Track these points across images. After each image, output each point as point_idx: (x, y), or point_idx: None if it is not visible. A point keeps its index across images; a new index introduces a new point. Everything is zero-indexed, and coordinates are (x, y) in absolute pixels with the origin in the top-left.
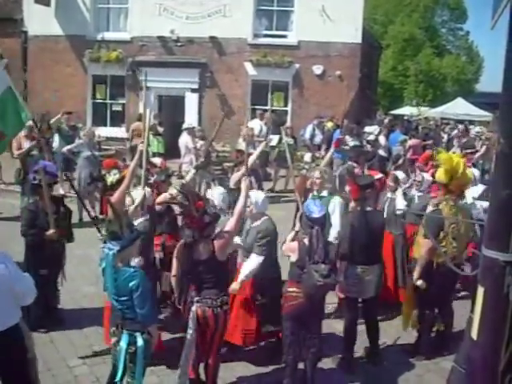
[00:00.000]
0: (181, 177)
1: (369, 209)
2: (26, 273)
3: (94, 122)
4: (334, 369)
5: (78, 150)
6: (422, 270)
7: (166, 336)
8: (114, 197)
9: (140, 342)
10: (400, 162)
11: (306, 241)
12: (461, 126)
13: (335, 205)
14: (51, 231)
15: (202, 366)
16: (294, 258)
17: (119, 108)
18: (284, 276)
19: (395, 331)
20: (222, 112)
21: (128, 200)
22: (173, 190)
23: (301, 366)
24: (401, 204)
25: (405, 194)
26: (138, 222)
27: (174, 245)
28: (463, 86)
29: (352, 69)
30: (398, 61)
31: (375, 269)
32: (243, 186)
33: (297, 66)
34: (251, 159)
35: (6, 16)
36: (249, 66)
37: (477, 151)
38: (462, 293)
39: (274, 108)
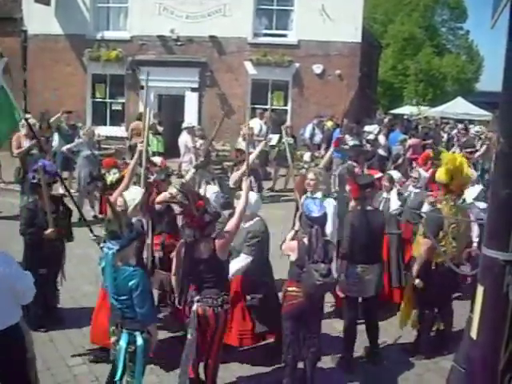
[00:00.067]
0: (180, 176)
1: (369, 208)
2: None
3: (93, 121)
4: (333, 368)
5: (77, 149)
6: (421, 269)
7: (165, 335)
8: (114, 196)
9: (140, 341)
10: (400, 161)
11: (305, 240)
12: (460, 126)
13: (328, 206)
14: (50, 230)
15: (201, 365)
16: (293, 257)
17: (119, 107)
18: (278, 276)
19: (395, 330)
20: (222, 111)
21: (120, 201)
22: (172, 190)
23: (300, 365)
24: (395, 204)
25: (400, 194)
26: None
27: (173, 244)
28: (463, 85)
29: (352, 68)
30: (397, 60)
31: (375, 268)
32: (244, 185)
33: (297, 65)
34: (250, 158)
35: (6, 15)
36: (249, 66)
37: (476, 150)
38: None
39: (273, 107)
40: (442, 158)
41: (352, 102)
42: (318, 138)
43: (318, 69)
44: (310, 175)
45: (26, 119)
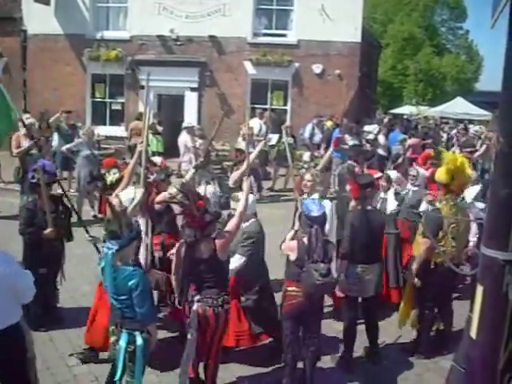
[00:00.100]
0: (180, 176)
1: (369, 208)
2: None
3: (93, 121)
4: (333, 368)
5: (77, 149)
6: (420, 268)
7: (165, 335)
8: (114, 196)
9: (139, 341)
10: (399, 161)
11: (305, 240)
12: (460, 126)
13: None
14: (49, 230)
15: (201, 365)
16: (293, 256)
17: (118, 107)
18: (278, 276)
19: (394, 330)
20: (222, 111)
21: (115, 201)
22: (172, 190)
23: (300, 365)
24: (392, 204)
25: (397, 194)
26: None
27: (173, 244)
28: (463, 85)
29: (351, 68)
30: (397, 60)
31: (375, 268)
32: (245, 186)
33: (296, 65)
34: (250, 158)
35: (6, 15)
36: (248, 65)
37: (476, 150)
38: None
39: (273, 107)
40: (443, 158)
41: (352, 102)
42: (318, 137)
43: (317, 69)
44: (307, 176)
45: (22, 120)
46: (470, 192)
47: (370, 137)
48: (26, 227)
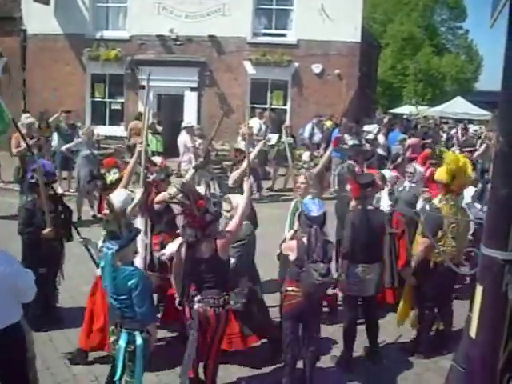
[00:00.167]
0: (180, 176)
1: (369, 207)
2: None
3: (92, 121)
4: (332, 368)
5: (76, 149)
6: (419, 268)
7: (165, 335)
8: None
9: (139, 340)
10: (399, 160)
11: (304, 240)
12: (460, 125)
13: None
14: (47, 230)
15: (201, 365)
16: (292, 256)
17: (118, 107)
18: (273, 277)
19: (394, 329)
20: (221, 111)
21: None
22: (172, 190)
23: (300, 365)
24: (386, 203)
25: (391, 194)
26: None
27: None
28: (462, 84)
29: (351, 68)
30: (397, 60)
31: (376, 267)
32: (245, 186)
33: (296, 64)
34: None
35: (6, 14)
36: (248, 65)
37: (476, 150)
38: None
39: (273, 107)
40: (445, 158)
41: (351, 102)
42: (318, 137)
43: (317, 68)
44: (300, 178)
45: (14, 122)
46: (469, 192)
47: (370, 136)
48: (25, 227)
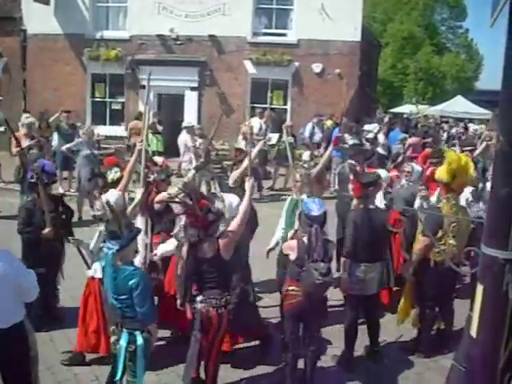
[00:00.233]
0: (180, 176)
1: (371, 207)
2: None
3: (93, 121)
4: (333, 367)
5: (77, 149)
6: (419, 267)
7: (165, 334)
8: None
9: (140, 340)
10: (399, 159)
11: (305, 239)
12: (461, 124)
13: None
14: (47, 230)
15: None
16: (293, 256)
17: (118, 106)
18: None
19: (394, 328)
20: (221, 110)
21: (98, 204)
22: (172, 190)
23: (300, 364)
24: (380, 203)
25: (387, 193)
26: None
27: None
28: (463, 83)
29: (351, 67)
30: (397, 59)
31: (378, 266)
32: (247, 186)
33: (296, 64)
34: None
35: (6, 15)
36: (248, 65)
37: (476, 149)
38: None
39: (273, 106)
40: (447, 157)
41: (352, 101)
42: (318, 137)
43: (317, 68)
44: (296, 177)
45: (6, 120)
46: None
47: (370, 136)
48: (25, 227)
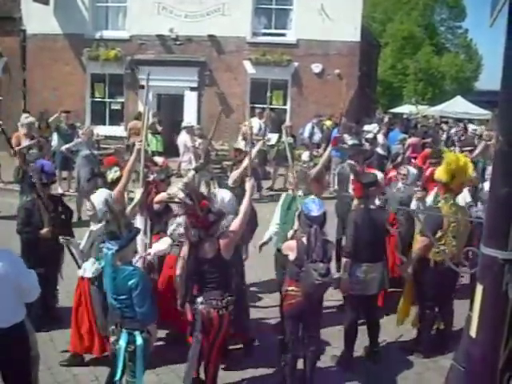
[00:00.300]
0: (180, 176)
1: (372, 207)
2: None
3: (92, 121)
4: (333, 367)
5: (76, 149)
6: (418, 267)
7: (165, 334)
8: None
9: (139, 340)
10: (399, 160)
11: (304, 239)
12: (460, 125)
13: None
14: (45, 230)
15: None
16: (292, 256)
17: (118, 106)
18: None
19: (394, 328)
20: (220, 108)
21: (88, 205)
22: (172, 190)
23: (300, 365)
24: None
25: (382, 194)
26: (98, 227)
27: None
28: (462, 84)
29: (351, 67)
30: (397, 59)
31: (379, 266)
32: (248, 186)
33: (296, 64)
34: (248, 158)
35: (5, 14)
36: (248, 65)
37: (475, 148)
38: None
39: (272, 106)
40: (445, 158)
41: (351, 102)
42: (317, 137)
43: (317, 68)
44: (291, 174)
45: (4, 131)
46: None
47: (369, 136)
48: (24, 226)
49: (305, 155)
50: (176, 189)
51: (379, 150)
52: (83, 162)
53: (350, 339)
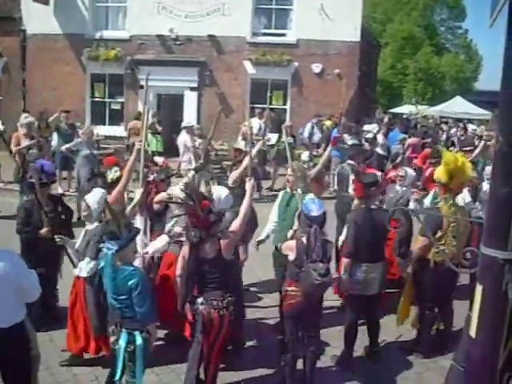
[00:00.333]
0: (180, 176)
1: (373, 207)
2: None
3: (92, 121)
4: (333, 367)
5: (76, 149)
6: (418, 267)
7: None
8: (111, 196)
9: (139, 340)
10: (398, 160)
11: (304, 239)
12: (460, 125)
13: None
14: (44, 229)
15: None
16: (292, 256)
17: (118, 106)
18: (267, 277)
19: (394, 328)
20: (219, 108)
21: (83, 205)
22: (172, 190)
23: (300, 365)
24: None
25: (382, 194)
26: (93, 226)
27: None
28: (462, 84)
29: (351, 67)
30: (396, 59)
31: (379, 266)
32: (248, 186)
33: (296, 64)
34: (247, 158)
35: (5, 14)
36: (248, 65)
37: (475, 148)
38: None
39: (272, 106)
40: (443, 158)
41: (351, 102)
42: (317, 137)
43: (317, 68)
44: (289, 171)
45: (3, 136)
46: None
47: (369, 136)
48: (23, 226)
49: (304, 155)
50: (177, 189)
51: (379, 150)
52: (83, 161)
53: (350, 339)
